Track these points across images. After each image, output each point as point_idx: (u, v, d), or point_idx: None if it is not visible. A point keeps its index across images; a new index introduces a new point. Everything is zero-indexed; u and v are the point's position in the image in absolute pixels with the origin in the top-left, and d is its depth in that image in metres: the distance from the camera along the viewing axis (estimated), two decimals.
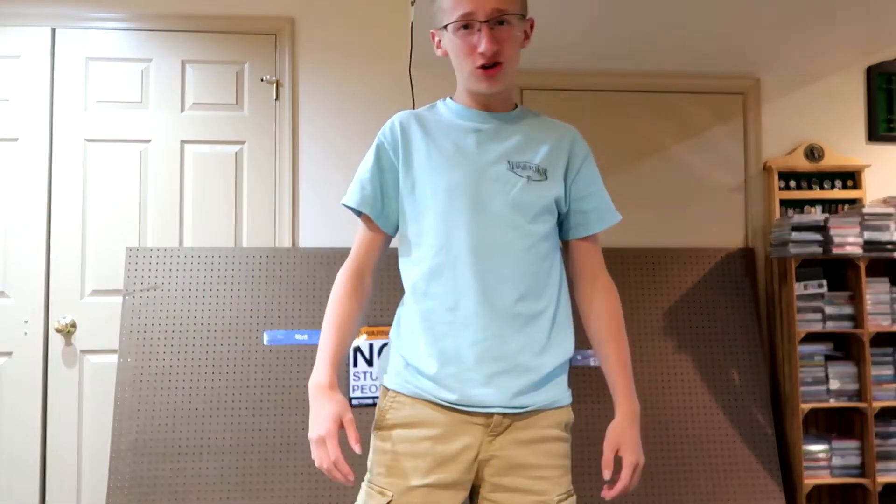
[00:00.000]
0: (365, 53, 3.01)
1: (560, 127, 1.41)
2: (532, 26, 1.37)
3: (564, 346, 1.34)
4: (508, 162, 1.31)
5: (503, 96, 1.37)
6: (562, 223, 1.39)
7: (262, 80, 2.98)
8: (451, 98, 1.41)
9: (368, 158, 1.38)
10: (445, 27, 1.30)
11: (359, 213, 1.38)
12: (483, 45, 1.25)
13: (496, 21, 1.26)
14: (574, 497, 1.31)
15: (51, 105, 2.89)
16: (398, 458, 1.26)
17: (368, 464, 1.32)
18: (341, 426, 1.21)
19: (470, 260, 1.27)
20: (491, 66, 1.28)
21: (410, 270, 1.34)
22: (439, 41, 1.35)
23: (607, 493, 1.27)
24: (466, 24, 1.27)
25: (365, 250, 1.37)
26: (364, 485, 1.31)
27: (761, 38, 2.69)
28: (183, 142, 2.94)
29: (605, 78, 3.09)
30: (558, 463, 1.30)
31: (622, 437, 1.28)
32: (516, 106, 1.42)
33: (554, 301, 1.32)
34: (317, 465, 1.22)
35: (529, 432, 1.28)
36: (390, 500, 1.24)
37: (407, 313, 1.34)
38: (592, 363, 2.79)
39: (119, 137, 2.91)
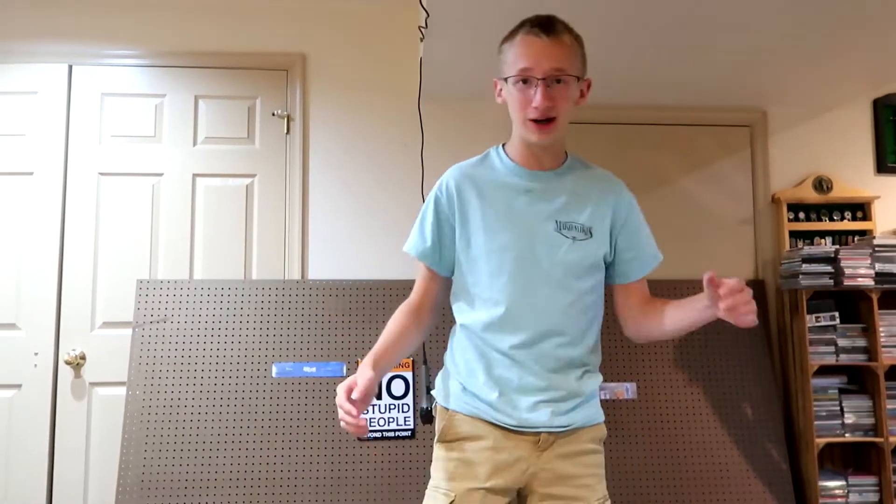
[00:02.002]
0: (374, 88, 3.05)
1: (605, 181, 1.51)
2: (589, 86, 1.46)
3: (596, 376, 1.52)
4: (556, 222, 1.44)
5: (553, 151, 1.47)
6: (607, 270, 1.52)
7: (273, 114, 3.02)
8: (503, 148, 1.51)
9: (428, 212, 1.51)
10: (506, 79, 1.40)
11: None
12: (537, 100, 1.35)
13: (553, 79, 1.36)
14: (609, 501, 1.48)
15: (66, 139, 2.94)
16: (459, 465, 1.44)
17: (432, 471, 1.50)
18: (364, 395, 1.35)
19: (521, 313, 1.43)
20: (544, 120, 1.38)
21: (466, 314, 1.49)
22: (500, 90, 1.46)
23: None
24: (525, 79, 1.37)
25: (423, 291, 1.54)
26: (429, 490, 1.48)
27: (768, 71, 2.71)
28: (195, 175, 2.98)
29: (613, 111, 3.12)
30: (595, 472, 1.48)
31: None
32: (567, 156, 1.51)
33: (592, 340, 1.50)
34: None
35: (571, 447, 1.45)
36: (453, 501, 1.41)
37: (462, 347, 1.50)
38: (603, 396, 2.76)
39: (132, 171, 2.95)
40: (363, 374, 1.38)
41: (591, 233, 1.45)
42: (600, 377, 1.53)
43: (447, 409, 1.50)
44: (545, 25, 1.37)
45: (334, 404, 2.74)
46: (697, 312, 1.35)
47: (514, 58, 1.38)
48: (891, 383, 2.83)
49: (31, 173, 2.91)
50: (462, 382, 1.49)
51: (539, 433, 1.43)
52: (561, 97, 1.37)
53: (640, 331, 1.52)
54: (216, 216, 2.96)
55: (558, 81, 1.36)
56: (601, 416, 1.53)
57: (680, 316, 1.41)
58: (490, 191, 1.46)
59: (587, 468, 1.46)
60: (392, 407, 2.69)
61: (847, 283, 2.80)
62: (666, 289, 2.93)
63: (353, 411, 1.32)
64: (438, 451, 1.49)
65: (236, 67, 3.02)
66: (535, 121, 1.38)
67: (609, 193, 1.49)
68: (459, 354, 1.51)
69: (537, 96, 1.35)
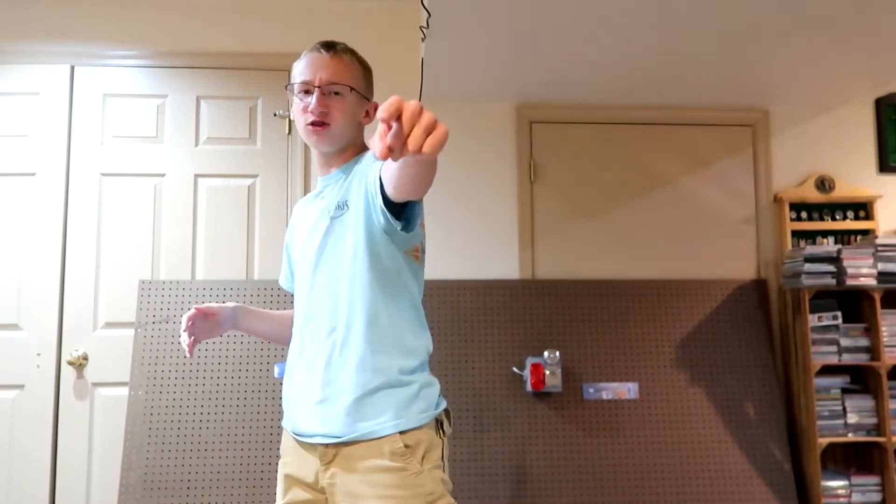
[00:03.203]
0: (375, 88, 3.04)
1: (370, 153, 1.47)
2: (375, 108, 1.53)
3: (391, 376, 1.35)
4: (328, 211, 1.46)
5: (343, 158, 1.50)
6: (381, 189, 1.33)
7: (274, 114, 3.02)
8: None
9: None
10: (291, 88, 1.50)
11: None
12: (312, 105, 1.44)
13: (330, 90, 1.45)
14: None
15: (68, 140, 2.94)
16: (279, 482, 1.48)
17: None
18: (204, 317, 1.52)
19: (302, 314, 1.45)
20: (319, 123, 1.44)
21: None
22: (291, 108, 1.53)
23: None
24: (306, 90, 1.47)
25: None
26: None
27: (770, 70, 2.71)
28: (197, 175, 2.98)
29: (615, 111, 3.12)
30: (387, 493, 1.29)
31: None
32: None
33: (383, 330, 1.35)
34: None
35: (356, 462, 1.33)
36: None
37: None
38: (605, 396, 2.76)
39: (134, 171, 2.96)
40: (222, 304, 1.53)
41: (347, 205, 1.40)
42: (404, 379, 1.35)
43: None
44: (327, 45, 1.49)
45: None
46: None
47: (298, 72, 1.48)
48: (893, 383, 2.82)
49: (34, 174, 2.91)
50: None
51: (317, 445, 1.36)
52: (337, 107, 1.45)
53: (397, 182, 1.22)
54: (218, 216, 2.97)
55: (336, 94, 1.45)
56: (391, 428, 1.32)
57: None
58: (304, 207, 1.56)
59: (374, 488, 1.29)
60: None
61: (849, 282, 2.80)
62: (667, 288, 2.93)
63: (184, 324, 1.46)
64: None
65: (238, 68, 3.03)
66: (312, 124, 1.44)
67: (361, 159, 1.46)
68: None
69: (313, 101, 1.43)
